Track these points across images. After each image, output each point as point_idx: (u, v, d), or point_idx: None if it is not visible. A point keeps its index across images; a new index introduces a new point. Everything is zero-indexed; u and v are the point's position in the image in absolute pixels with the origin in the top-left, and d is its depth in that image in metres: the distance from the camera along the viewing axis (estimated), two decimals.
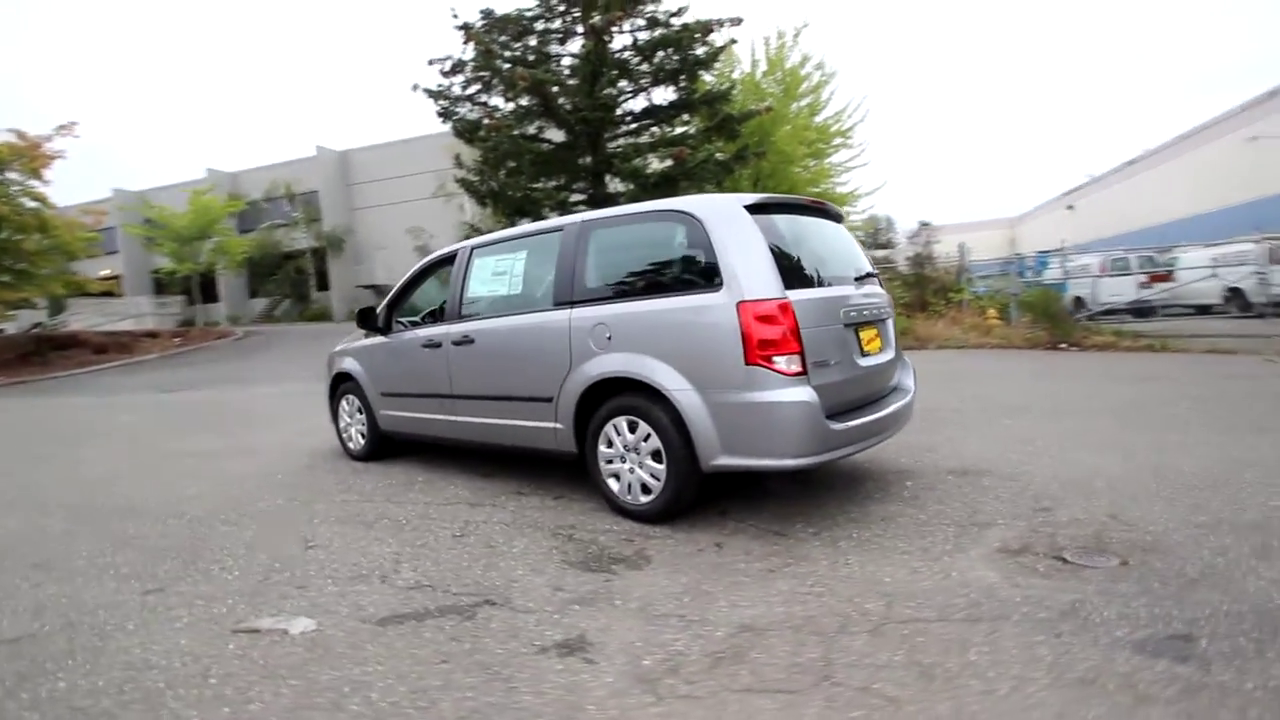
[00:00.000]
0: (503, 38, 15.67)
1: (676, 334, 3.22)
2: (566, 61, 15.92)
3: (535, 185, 16.01)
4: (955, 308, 13.74)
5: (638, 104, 16.10)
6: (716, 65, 16.83)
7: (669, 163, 15.14)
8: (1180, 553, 2.73)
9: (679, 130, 16.57)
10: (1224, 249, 13.10)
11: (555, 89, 14.66)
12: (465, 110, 16.35)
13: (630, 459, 3.45)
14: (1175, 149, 27.59)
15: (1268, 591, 2.37)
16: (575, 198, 16.20)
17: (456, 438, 4.45)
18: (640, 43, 15.34)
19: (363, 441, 5.30)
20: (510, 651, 2.26)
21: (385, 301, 5.02)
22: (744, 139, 16.10)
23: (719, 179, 15.70)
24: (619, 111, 15.87)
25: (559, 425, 3.74)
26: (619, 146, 16.14)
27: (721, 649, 2.21)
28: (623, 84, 15.65)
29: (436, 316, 5.29)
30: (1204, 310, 13.50)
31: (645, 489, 3.41)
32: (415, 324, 5.17)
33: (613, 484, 3.55)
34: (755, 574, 2.77)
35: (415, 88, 16.10)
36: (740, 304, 3.03)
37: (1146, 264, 14.14)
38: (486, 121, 15.06)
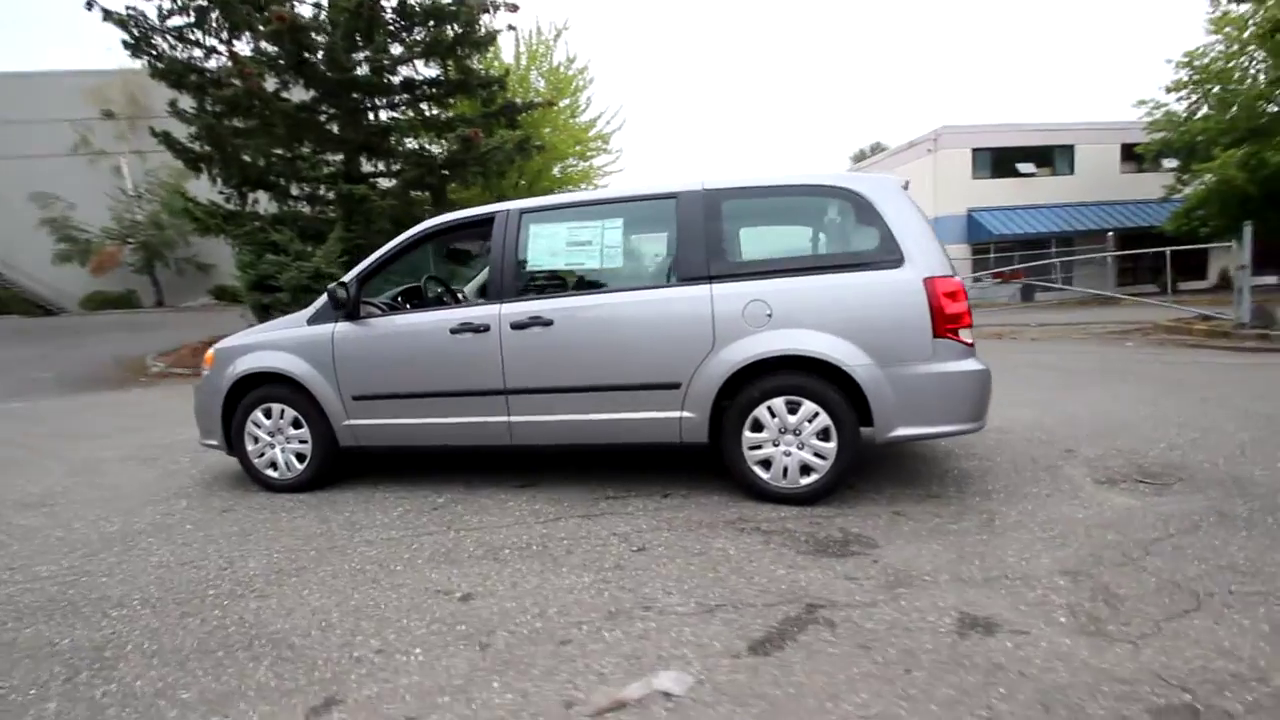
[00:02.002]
0: None
1: (856, 310, 3.21)
2: (311, 10, 13.56)
3: (278, 152, 13.38)
4: None
5: (406, 78, 14.54)
6: (489, 51, 16.16)
7: (454, 145, 14.02)
8: (1207, 469, 3.74)
9: (452, 113, 15.46)
10: None
11: (315, 35, 12.44)
12: (170, 46, 12.82)
13: (786, 441, 3.32)
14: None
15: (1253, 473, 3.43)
16: (324, 173, 13.94)
17: (497, 444, 3.65)
18: (410, 6, 13.88)
19: (299, 465, 3.95)
20: (931, 645, 2.08)
21: (354, 276, 3.82)
22: (524, 131, 15.78)
23: (503, 170, 15.15)
24: (385, 80, 14.14)
25: (688, 414, 3.38)
26: (384, 121, 14.42)
27: (1089, 592, 2.36)
28: (394, 49, 13.99)
29: (411, 297, 4.28)
30: None
31: (805, 470, 3.31)
32: (392, 306, 4.09)
33: (760, 471, 3.36)
34: (976, 532, 2.96)
35: (91, 5, 12.08)
36: (928, 280, 3.17)
37: None
38: (230, 66, 12.04)
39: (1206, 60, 17.83)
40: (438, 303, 4.30)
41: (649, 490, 3.66)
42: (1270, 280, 18.33)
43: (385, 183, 14.51)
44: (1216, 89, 17.67)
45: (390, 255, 3.85)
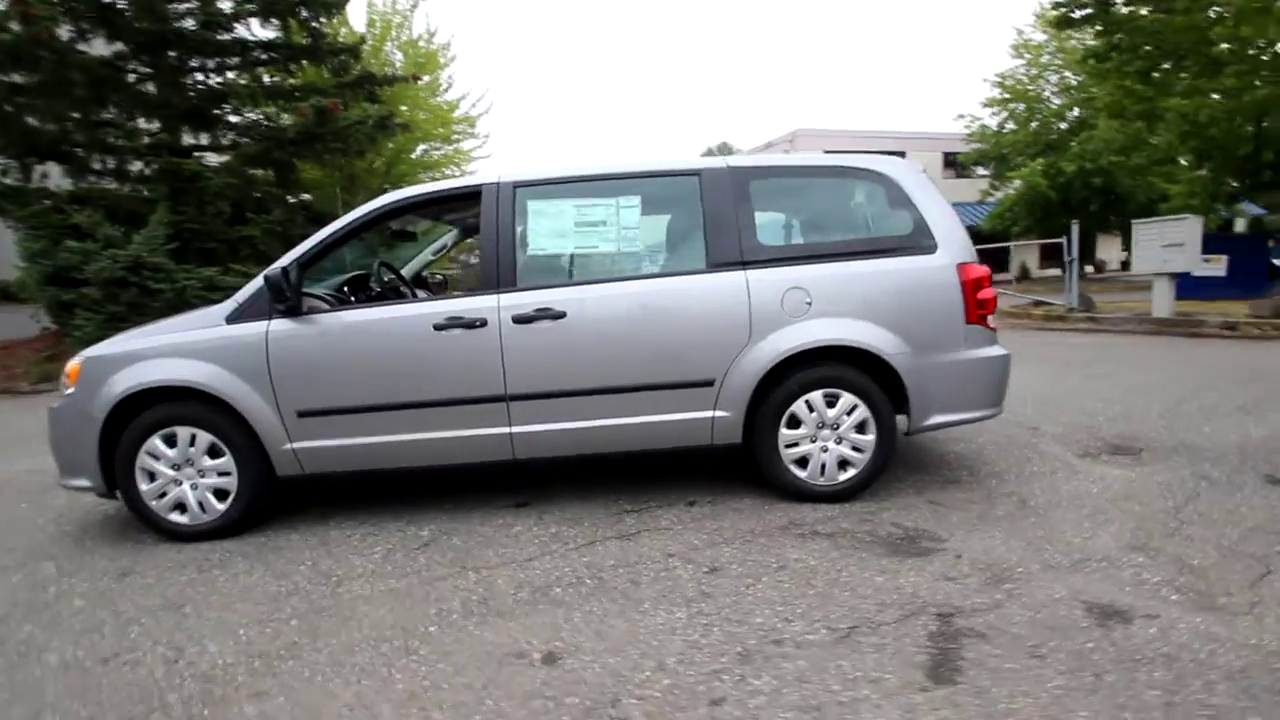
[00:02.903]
0: None
1: (894, 297, 3.08)
2: None
3: (75, 116, 11.04)
4: None
5: (239, 38, 12.56)
6: (336, 17, 14.49)
7: (308, 117, 12.36)
8: (1155, 436, 4.09)
9: (299, 81, 13.67)
10: None
11: None
12: None
13: (823, 436, 3.12)
14: None
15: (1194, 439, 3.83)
16: (142, 144, 11.71)
17: (494, 459, 3.09)
18: None
19: (219, 504, 3.09)
20: (1091, 644, 1.97)
21: (293, 261, 3.02)
22: (385, 107, 14.36)
23: (363, 148, 13.66)
24: (214, 38, 12.12)
25: (721, 413, 3.07)
26: (216, 85, 12.38)
27: (1171, 567, 2.40)
28: (222, 4, 12.03)
29: (358, 288, 3.56)
30: None
31: (843, 465, 3.15)
32: (340, 299, 3.36)
33: (796, 469, 3.14)
34: (1020, 515, 2.96)
35: None
36: (960, 265, 3.11)
37: None
38: (9, 7, 9.59)
39: (1013, 81, 20.57)
40: (394, 294, 3.58)
41: (669, 499, 3.30)
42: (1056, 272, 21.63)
43: (215, 159, 12.54)
44: (1021, 107, 20.45)
45: (339, 236, 3.10)
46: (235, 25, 12.23)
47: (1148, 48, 11.56)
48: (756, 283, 3.03)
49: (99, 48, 11.32)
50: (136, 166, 11.49)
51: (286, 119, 12.96)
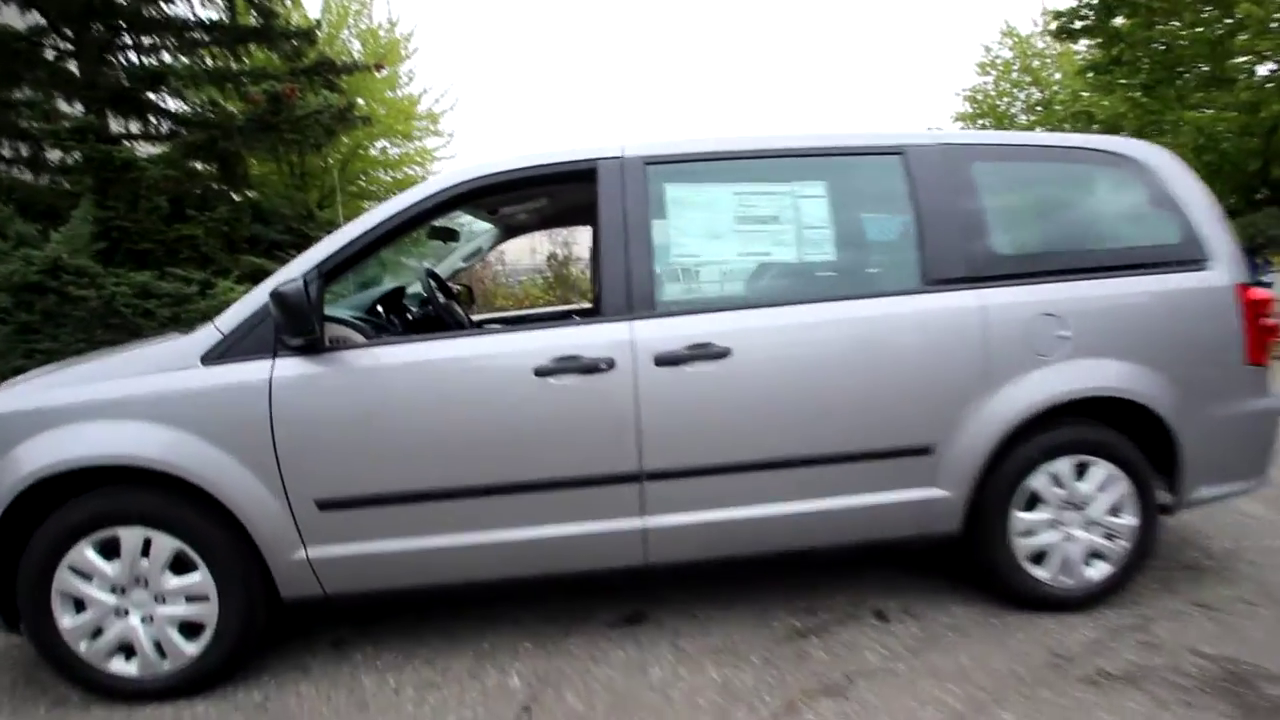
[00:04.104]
0: None
1: (1165, 327, 2.24)
2: None
3: None
4: None
5: (177, 17, 11.12)
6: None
7: (260, 105, 11.00)
8: None
9: (250, 64, 12.29)
10: None
11: None
12: None
13: (1067, 520, 2.25)
14: None
15: None
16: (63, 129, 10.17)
17: (616, 566, 2.10)
18: None
19: (188, 646, 1.99)
20: None
21: (313, 268, 1.95)
22: (346, 97, 13.08)
23: (320, 141, 12.33)
24: (147, 13, 10.68)
25: (940, 492, 2.16)
26: (151, 65, 10.94)
27: None
28: None
29: (393, 308, 2.54)
30: None
31: (1094, 559, 2.28)
32: (377, 325, 2.32)
33: (1032, 568, 2.26)
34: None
35: None
36: (1239, 288, 2.30)
37: None
38: None
39: (982, 96, 20.64)
40: (447, 319, 2.53)
41: (839, 604, 2.36)
42: None
43: (148, 149, 11.12)
44: (989, 122, 20.51)
45: (384, 231, 2.05)
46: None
47: (1148, 61, 11.41)
48: (994, 307, 2.13)
49: (11, 17, 9.77)
50: (56, 155, 9.96)
51: (233, 107, 11.59)
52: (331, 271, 2.01)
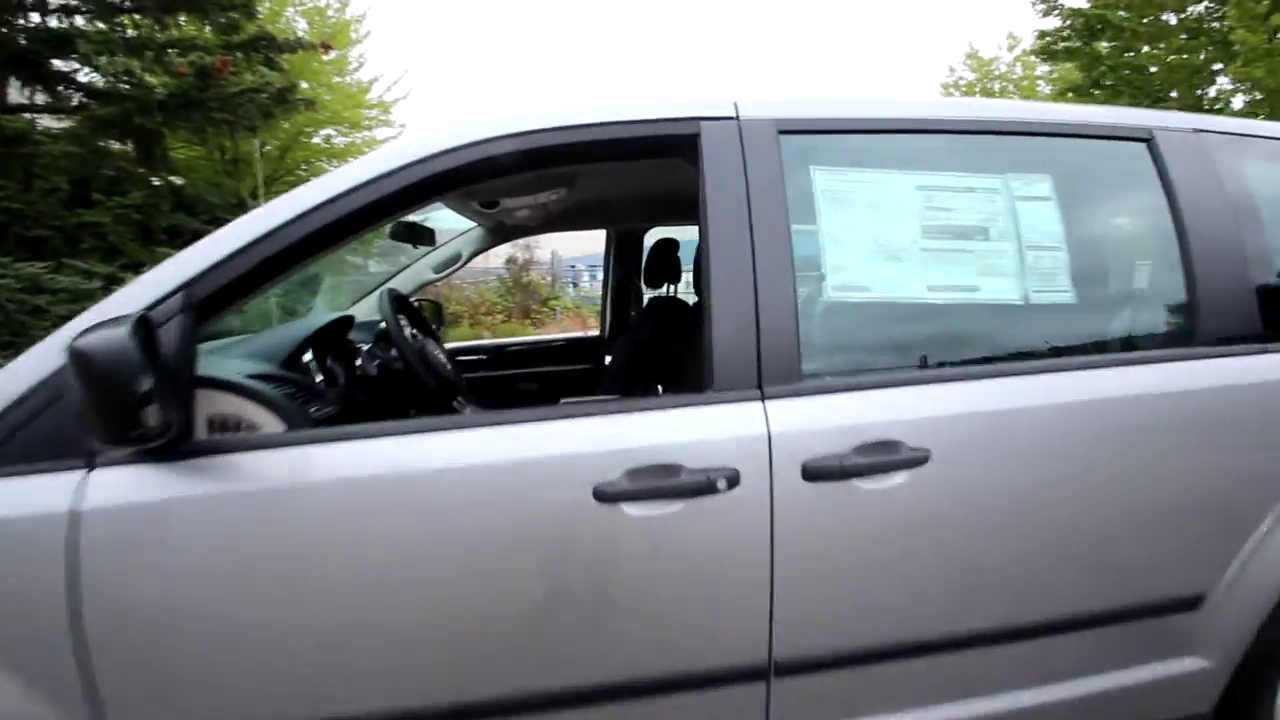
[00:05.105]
0: None
1: None
2: None
3: None
4: (552, 315, 13.46)
5: None
6: None
7: (187, 78, 9.71)
8: None
9: (176, 34, 10.98)
10: None
11: None
12: None
13: None
14: None
15: None
16: None
17: None
18: None
19: None
20: None
21: (166, 299, 1.01)
22: (288, 77, 11.86)
23: (256, 122, 11.08)
24: None
25: (1199, 663, 1.37)
26: (57, 28, 9.57)
27: None
28: None
29: (337, 351, 1.59)
30: None
31: None
32: (304, 385, 1.36)
33: None
34: None
35: None
36: None
37: None
38: None
39: None
40: (426, 379, 1.58)
41: None
42: None
43: (58, 124, 9.86)
44: None
45: (314, 229, 1.12)
46: None
47: (1127, 86, 11.28)
48: None
49: None
50: None
51: (154, 80, 10.24)
52: (213, 300, 1.07)
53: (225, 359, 1.31)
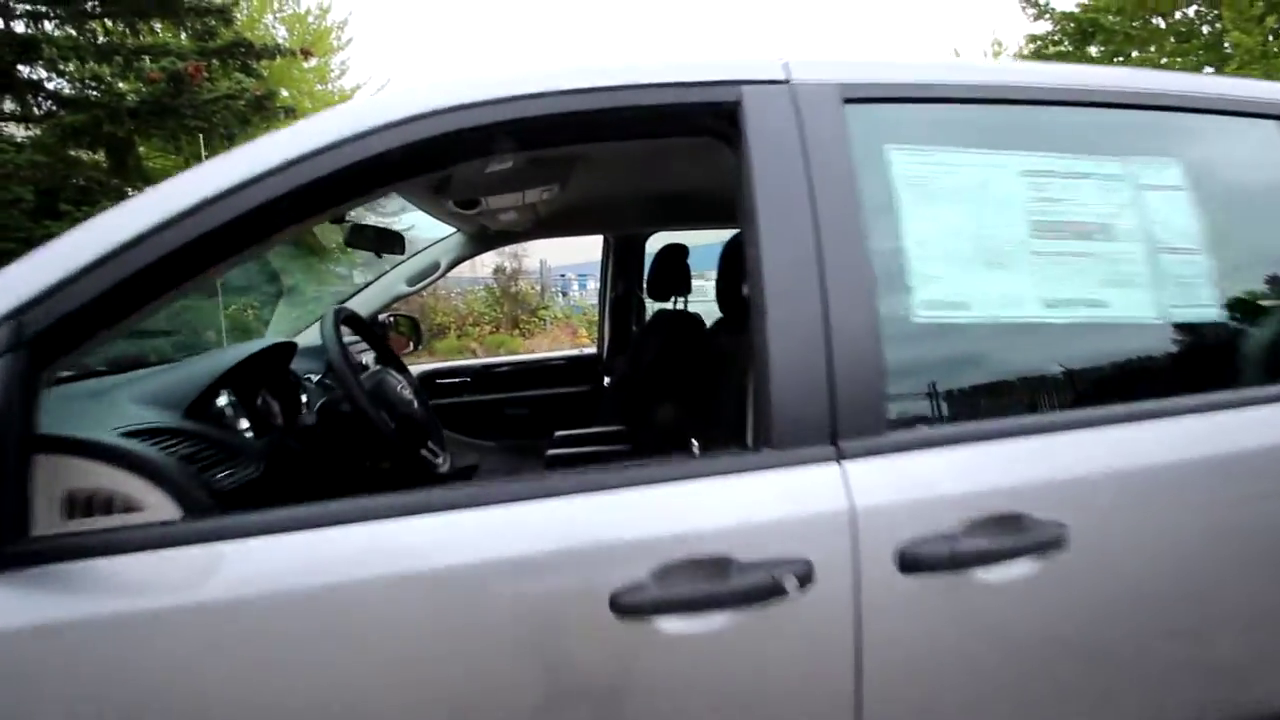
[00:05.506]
0: None
1: None
2: None
3: None
4: (542, 326, 13.15)
5: None
6: None
7: (159, 85, 9.37)
8: None
9: (150, 40, 10.68)
10: None
11: None
12: None
13: None
14: None
15: None
16: None
17: None
18: None
19: None
20: None
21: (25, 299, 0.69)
22: (266, 84, 11.55)
23: (231, 129, 10.75)
24: None
25: None
26: (22, 33, 9.26)
27: None
28: None
29: (280, 393, 1.25)
30: None
31: None
32: (221, 442, 1.02)
33: None
34: None
35: None
36: None
37: None
38: None
39: None
40: (385, 430, 1.25)
41: None
42: None
43: (23, 133, 9.55)
44: None
45: (220, 223, 0.80)
46: None
47: None
48: None
49: None
50: None
51: (126, 86, 9.88)
52: (60, 332, 0.74)
53: (107, 405, 0.97)
